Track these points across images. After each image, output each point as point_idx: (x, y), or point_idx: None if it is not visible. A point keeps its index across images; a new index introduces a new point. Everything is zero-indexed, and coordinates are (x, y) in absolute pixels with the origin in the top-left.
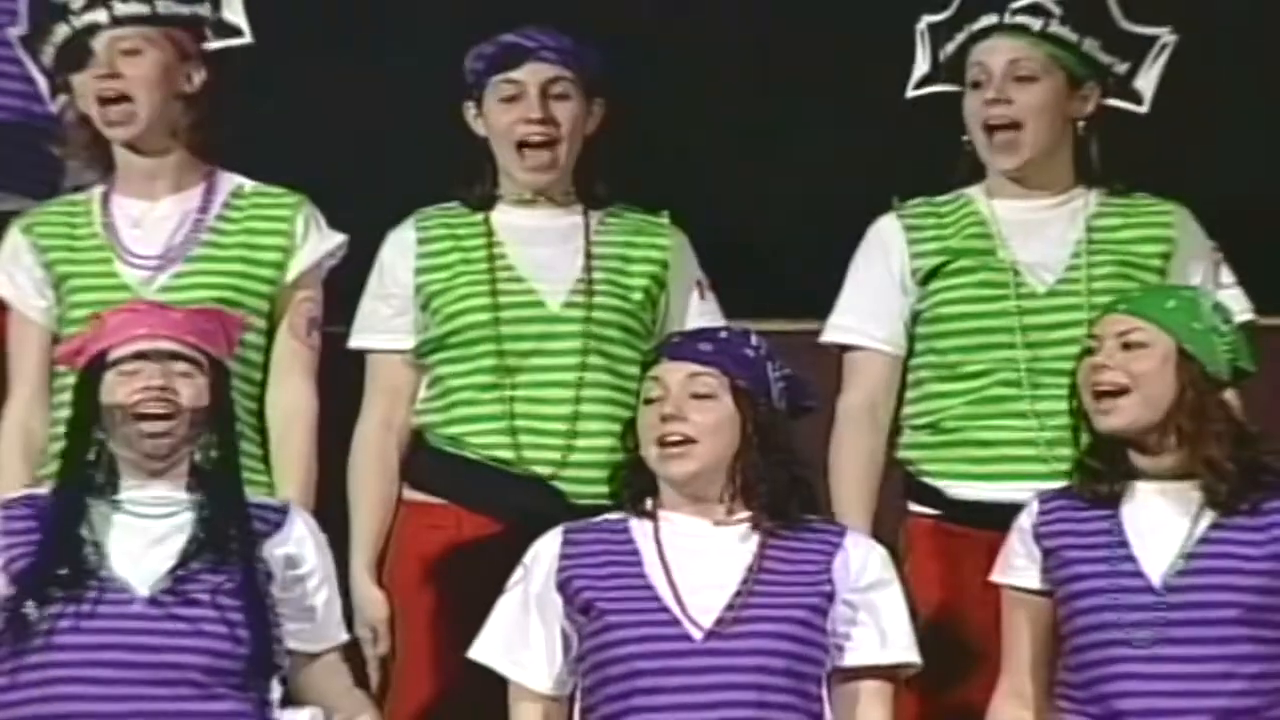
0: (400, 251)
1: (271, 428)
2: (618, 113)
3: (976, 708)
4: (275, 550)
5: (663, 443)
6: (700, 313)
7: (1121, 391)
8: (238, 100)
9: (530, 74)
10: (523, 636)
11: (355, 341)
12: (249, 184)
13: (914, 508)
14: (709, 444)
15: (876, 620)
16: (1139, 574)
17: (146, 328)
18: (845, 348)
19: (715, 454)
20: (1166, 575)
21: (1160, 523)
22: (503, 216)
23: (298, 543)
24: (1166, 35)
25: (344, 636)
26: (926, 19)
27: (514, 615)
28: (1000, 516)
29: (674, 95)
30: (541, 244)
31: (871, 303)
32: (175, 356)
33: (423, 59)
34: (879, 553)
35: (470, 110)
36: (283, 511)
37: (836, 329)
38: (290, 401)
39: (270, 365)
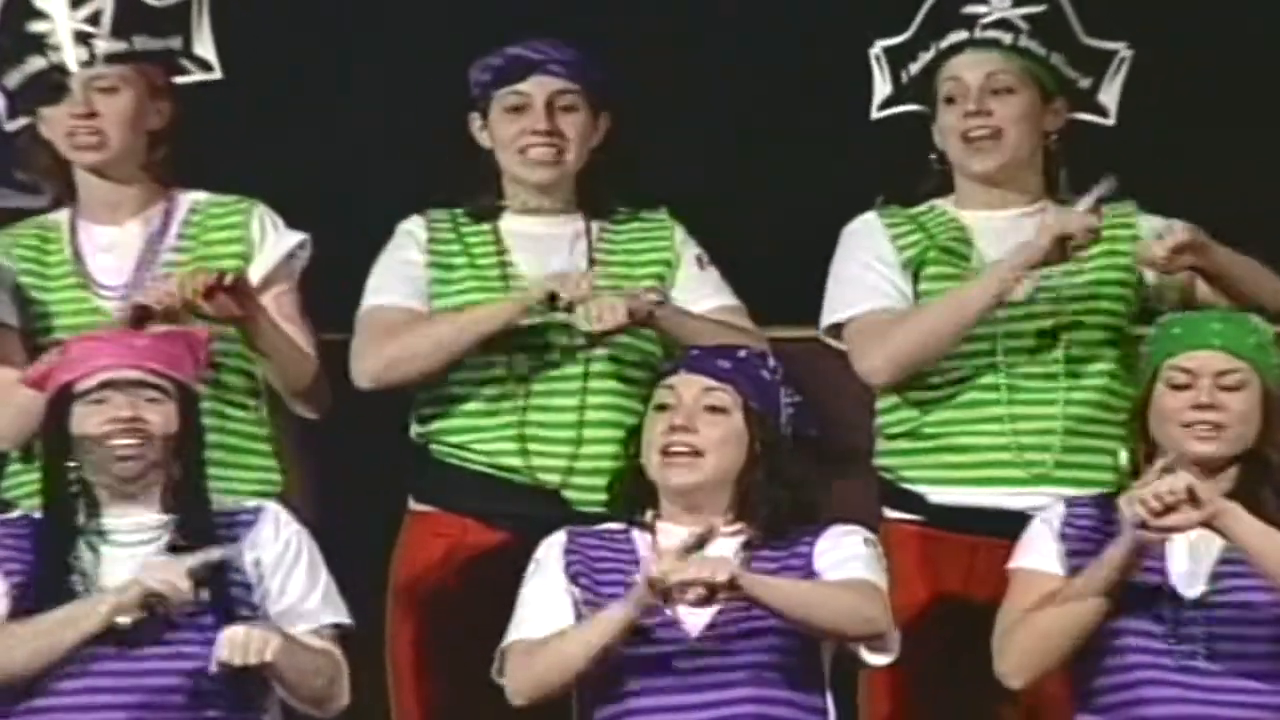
0: (411, 240)
1: None
2: (618, 121)
3: (960, 709)
4: (246, 555)
5: (667, 451)
6: (701, 282)
7: (1223, 427)
8: (226, 115)
9: (537, 86)
10: (543, 605)
11: (364, 306)
12: (204, 197)
13: (892, 514)
14: (715, 458)
15: (832, 559)
16: (1171, 589)
17: (111, 357)
18: (841, 325)
19: (720, 468)
20: (1200, 592)
21: (1200, 539)
22: (509, 225)
23: (264, 544)
24: (1124, 50)
25: (312, 624)
26: (881, 43)
27: (529, 596)
28: (980, 520)
29: (671, 101)
30: (548, 251)
31: (870, 279)
32: (142, 385)
33: (417, 71)
34: (847, 526)
35: (475, 122)
36: (255, 513)
37: (837, 309)
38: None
39: None
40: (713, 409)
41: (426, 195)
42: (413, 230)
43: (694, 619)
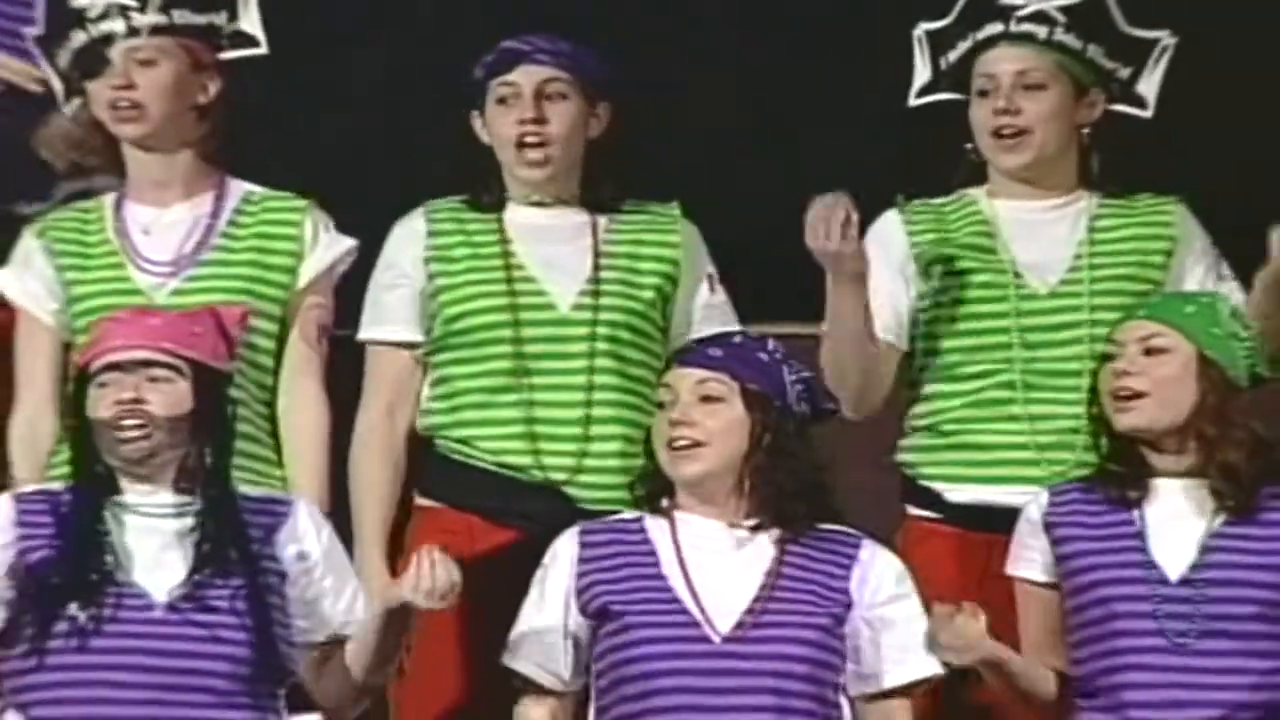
0: (408, 241)
1: (284, 436)
2: (621, 114)
3: (978, 707)
4: (284, 547)
5: (672, 446)
6: (710, 306)
7: (1141, 395)
8: (244, 101)
9: (524, 76)
10: (537, 634)
11: (363, 334)
12: (259, 190)
13: (912, 510)
14: (718, 447)
15: (895, 639)
16: (1155, 568)
17: (122, 338)
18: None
19: (724, 456)
20: (1183, 571)
21: (1179, 519)
22: (514, 215)
23: (302, 536)
24: (1167, 38)
25: (352, 628)
26: (924, 25)
27: (530, 615)
28: (999, 519)
29: (674, 97)
30: (552, 242)
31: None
32: (149, 364)
33: (425, 63)
34: (895, 567)
35: (476, 118)
36: (288, 504)
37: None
38: (303, 409)
39: (281, 370)
40: (708, 399)
41: (430, 189)
42: (406, 234)
43: (721, 620)
